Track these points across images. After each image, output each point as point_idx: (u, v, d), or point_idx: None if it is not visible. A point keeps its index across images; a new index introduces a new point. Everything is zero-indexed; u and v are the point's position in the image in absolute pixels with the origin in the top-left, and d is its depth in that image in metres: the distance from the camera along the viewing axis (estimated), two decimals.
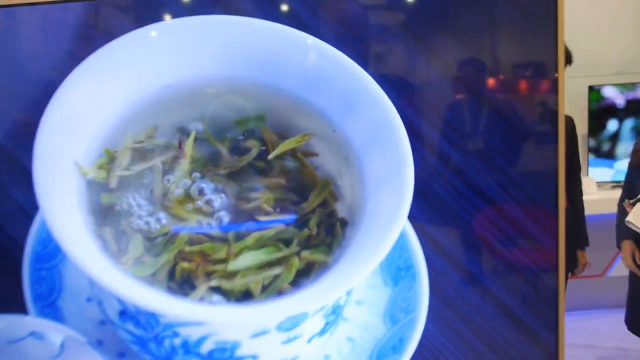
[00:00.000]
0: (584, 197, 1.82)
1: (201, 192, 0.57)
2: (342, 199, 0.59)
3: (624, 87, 2.61)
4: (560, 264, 0.55)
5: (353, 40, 0.60)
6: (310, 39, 0.58)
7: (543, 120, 0.54)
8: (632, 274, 1.72)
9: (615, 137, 2.63)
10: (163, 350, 0.61)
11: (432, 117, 0.56)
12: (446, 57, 0.55)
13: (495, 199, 0.55)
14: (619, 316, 1.76)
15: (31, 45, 0.59)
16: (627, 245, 1.68)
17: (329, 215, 0.58)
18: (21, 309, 0.63)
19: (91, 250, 0.59)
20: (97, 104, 0.58)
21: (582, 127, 2.57)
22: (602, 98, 2.62)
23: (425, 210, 0.56)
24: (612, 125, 2.64)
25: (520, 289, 0.57)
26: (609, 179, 2.61)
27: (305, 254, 0.56)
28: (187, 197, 0.58)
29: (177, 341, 0.60)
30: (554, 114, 0.54)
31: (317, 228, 0.58)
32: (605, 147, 2.66)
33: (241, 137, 0.59)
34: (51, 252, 0.63)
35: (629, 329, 1.74)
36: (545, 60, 0.54)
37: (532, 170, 0.56)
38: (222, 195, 0.59)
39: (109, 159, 0.58)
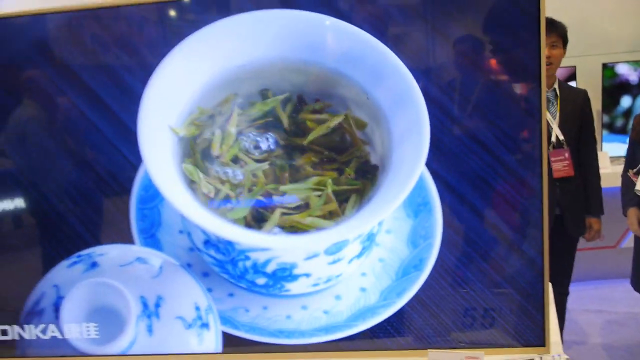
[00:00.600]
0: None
1: (267, 142, 0.76)
2: (374, 150, 0.76)
3: (637, 64, 2.70)
4: (544, 199, 0.71)
5: (377, 24, 0.76)
6: (347, 25, 0.75)
7: (530, 91, 0.70)
8: (637, 238, 1.84)
9: (628, 113, 2.72)
10: (237, 270, 0.80)
11: (442, 85, 0.72)
12: (447, 37, 0.71)
13: (492, 149, 0.72)
14: (630, 286, 1.86)
15: (137, 36, 0.77)
16: (633, 212, 1.79)
17: (365, 162, 0.76)
18: (129, 239, 0.82)
19: (182, 194, 0.77)
20: (187, 79, 0.76)
21: (596, 104, 2.67)
22: (615, 75, 2.72)
23: (438, 157, 0.73)
24: (625, 101, 2.73)
25: (511, 217, 0.73)
26: (622, 153, 2.71)
27: (344, 186, 0.74)
28: (255, 148, 0.76)
29: (249, 263, 0.78)
30: (537, 82, 0.70)
31: (355, 173, 0.76)
32: (619, 122, 2.75)
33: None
34: (152, 195, 0.81)
35: (635, 289, 1.87)
36: (532, 38, 0.69)
37: (521, 127, 0.72)
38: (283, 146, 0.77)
39: (199, 114, 0.76)
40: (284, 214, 0.76)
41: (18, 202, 0.85)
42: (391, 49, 0.74)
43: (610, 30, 2.82)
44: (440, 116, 0.74)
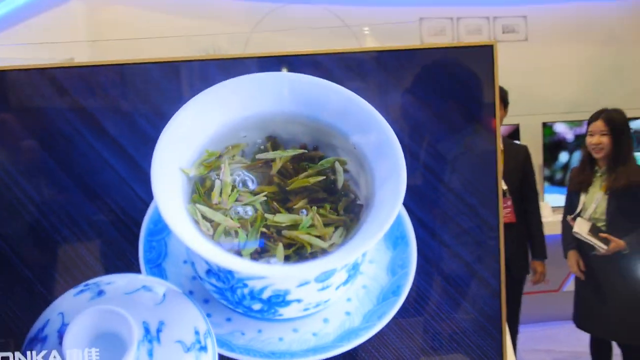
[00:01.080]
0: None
1: (262, 177, 0.88)
2: (359, 191, 0.89)
3: (572, 123, 3.02)
4: (500, 234, 0.85)
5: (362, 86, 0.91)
6: (338, 87, 0.89)
7: (483, 139, 0.86)
8: (577, 279, 2.04)
9: (566, 167, 3.01)
10: (236, 297, 0.89)
11: (416, 138, 0.87)
12: (420, 98, 0.87)
13: (457, 192, 0.86)
14: (574, 326, 2.03)
15: (155, 88, 0.89)
16: (572, 254, 2.00)
17: (352, 201, 0.88)
18: (137, 269, 0.90)
19: (188, 227, 0.87)
20: (198, 127, 0.87)
21: (538, 158, 2.95)
22: (554, 133, 3.02)
23: (413, 198, 0.87)
24: (563, 157, 3.03)
25: (475, 249, 0.87)
26: (562, 204, 2.97)
27: (333, 217, 0.86)
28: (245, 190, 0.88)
29: (246, 290, 0.88)
30: (493, 134, 0.86)
31: (343, 210, 0.88)
32: (558, 176, 3.04)
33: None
34: (160, 228, 0.90)
35: (577, 325, 2.05)
36: (486, 101, 0.86)
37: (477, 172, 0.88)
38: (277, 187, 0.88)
39: (208, 156, 0.87)
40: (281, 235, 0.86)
41: (30, 233, 0.92)
42: (375, 105, 0.89)
43: (549, 93, 3.15)
44: (415, 163, 0.88)
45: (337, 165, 0.89)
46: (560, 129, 3.06)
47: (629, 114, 3.05)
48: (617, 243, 1.82)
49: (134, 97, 0.89)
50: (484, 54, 0.82)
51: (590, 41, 3.23)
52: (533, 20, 3.19)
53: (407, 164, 0.88)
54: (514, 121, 2.90)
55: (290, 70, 0.89)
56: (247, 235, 0.85)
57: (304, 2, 3.14)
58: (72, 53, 3.04)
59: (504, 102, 2.06)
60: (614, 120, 1.91)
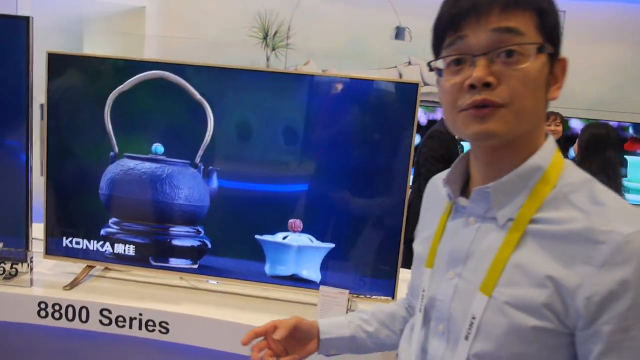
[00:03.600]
0: None
1: None
2: None
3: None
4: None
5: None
6: None
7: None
8: None
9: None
10: None
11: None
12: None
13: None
14: None
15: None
16: None
17: None
18: None
19: None
20: None
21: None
22: (569, 128, 3.21)
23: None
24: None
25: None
26: None
27: None
28: None
29: None
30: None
31: None
32: None
33: None
34: None
35: None
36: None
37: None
38: None
39: None
40: None
41: None
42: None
43: (573, 91, 3.29)
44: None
45: None
46: (575, 124, 3.23)
47: None
48: None
49: None
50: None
51: (624, 44, 3.32)
52: (571, 15, 3.30)
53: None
54: None
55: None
56: None
57: None
58: (144, 1, 3.46)
59: None
60: None
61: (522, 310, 0.54)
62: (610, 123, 3.12)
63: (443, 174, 0.68)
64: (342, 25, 3.55)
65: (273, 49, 3.59)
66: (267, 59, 3.58)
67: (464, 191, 0.65)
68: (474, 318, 0.57)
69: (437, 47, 0.59)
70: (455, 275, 0.61)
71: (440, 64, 0.59)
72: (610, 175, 2.17)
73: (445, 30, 0.57)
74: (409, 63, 3.60)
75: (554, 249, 0.54)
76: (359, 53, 3.49)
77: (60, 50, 1.35)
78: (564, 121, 3.21)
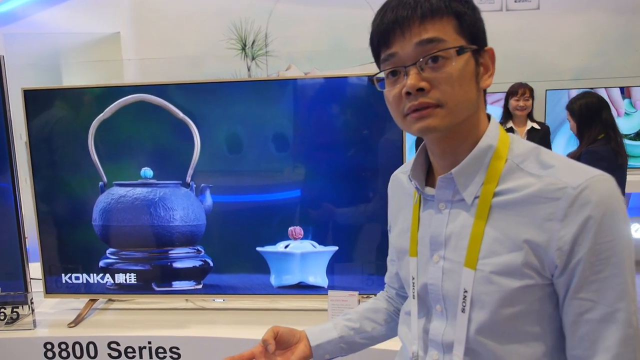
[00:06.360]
0: None
1: None
2: None
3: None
4: None
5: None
6: None
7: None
8: None
9: None
10: None
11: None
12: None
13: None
14: None
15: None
16: None
17: None
18: None
19: None
20: None
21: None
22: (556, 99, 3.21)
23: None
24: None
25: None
26: None
27: None
28: None
29: None
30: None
31: None
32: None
33: None
34: None
35: None
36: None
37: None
38: None
39: None
40: None
41: None
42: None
43: (556, 61, 3.26)
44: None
45: None
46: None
47: (636, 83, 3.17)
48: None
49: None
50: None
51: (600, 11, 3.31)
52: None
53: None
54: None
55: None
56: None
57: None
58: (118, 27, 3.43)
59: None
60: None
61: (506, 276, 0.61)
62: (598, 90, 3.14)
63: (402, 169, 0.79)
64: (319, 26, 3.53)
65: (253, 59, 3.56)
66: (249, 69, 3.56)
67: (428, 181, 0.71)
68: (466, 292, 0.63)
69: (377, 60, 0.66)
70: (440, 258, 0.67)
71: (381, 75, 0.66)
72: (611, 134, 2.18)
73: (379, 46, 0.64)
74: None
75: (520, 214, 0.61)
76: (340, 52, 3.47)
77: (34, 86, 1.32)
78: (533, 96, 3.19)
